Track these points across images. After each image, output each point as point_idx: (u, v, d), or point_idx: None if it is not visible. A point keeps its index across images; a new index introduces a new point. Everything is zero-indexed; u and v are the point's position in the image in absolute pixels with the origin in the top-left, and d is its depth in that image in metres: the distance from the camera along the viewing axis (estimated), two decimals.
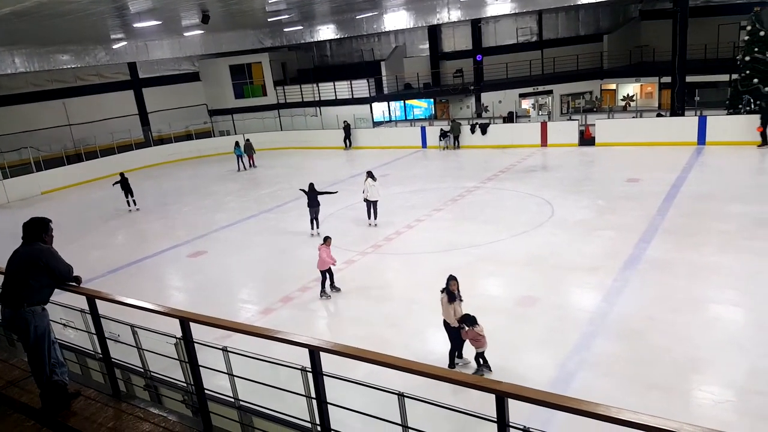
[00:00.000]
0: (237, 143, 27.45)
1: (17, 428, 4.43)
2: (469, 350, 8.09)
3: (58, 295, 4.79)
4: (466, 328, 7.77)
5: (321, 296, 11.06)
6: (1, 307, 4.57)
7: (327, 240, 11.06)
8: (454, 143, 26.09)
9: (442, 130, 26.39)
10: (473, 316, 7.83)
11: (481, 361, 7.89)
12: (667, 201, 14.85)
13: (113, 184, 20.98)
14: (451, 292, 7.91)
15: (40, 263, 4.44)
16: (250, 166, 27.23)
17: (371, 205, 15.43)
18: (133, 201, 20.72)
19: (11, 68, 25.33)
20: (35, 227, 4.59)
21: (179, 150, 31.45)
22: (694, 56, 23.66)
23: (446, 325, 8.01)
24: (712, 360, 7.77)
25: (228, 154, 28.20)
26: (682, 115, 22.23)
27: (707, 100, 24.17)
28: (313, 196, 14.99)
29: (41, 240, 4.58)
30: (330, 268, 11.02)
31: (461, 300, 8.02)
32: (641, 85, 29.62)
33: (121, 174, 20.97)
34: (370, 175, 15.41)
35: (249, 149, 27.29)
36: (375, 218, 15.54)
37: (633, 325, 8.83)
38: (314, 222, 15.29)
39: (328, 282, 11.11)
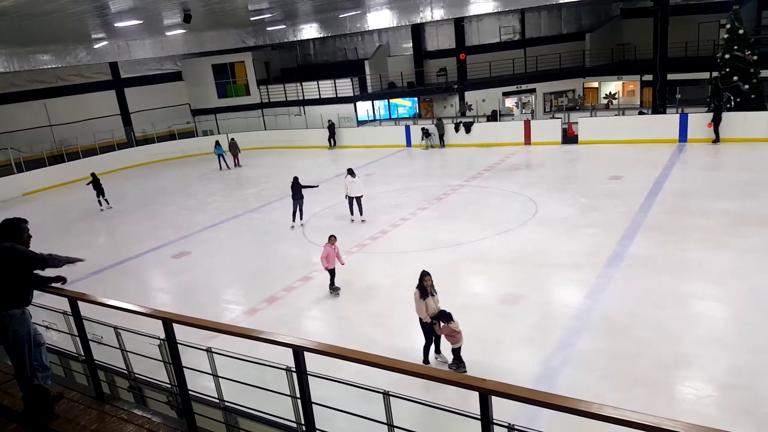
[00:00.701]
0: (217, 142, 27.37)
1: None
2: (446, 346, 8.12)
3: (40, 297, 4.73)
4: (441, 324, 7.81)
5: (331, 293, 11.06)
6: None
7: (331, 239, 10.95)
8: (440, 142, 26.19)
9: (423, 128, 26.46)
10: (449, 312, 7.86)
11: (458, 358, 7.90)
12: (650, 198, 15.05)
13: (86, 184, 21.14)
14: (423, 287, 7.92)
15: (13, 261, 4.34)
16: (235, 165, 27.10)
17: (354, 201, 15.58)
18: (105, 200, 20.92)
19: None
20: (6, 229, 4.48)
21: (162, 150, 31.14)
22: (675, 54, 24.01)
23: (420, 320, 8.05)
24: (694, 355, 7.89)
25: (212, 154, 27.97)
26: (664, 112, 22.54)
27: (688, 98, 24.54)
28: (296, 189, 15.50)
29: (14, 241, 4.46)
30: (333, 268, 10.92)
31: (434, 295, 8.02)
32: (623, 83, 29.96)
33: (93, 174, 21.13)
34: (350, 172, 15.67)
35: (234, 148, 27.17)
36: (361, 214, 15.66)
37: (616, 322, 8.94)
38: (296, 214, 15.78)
39: (337, 278, 11.08)
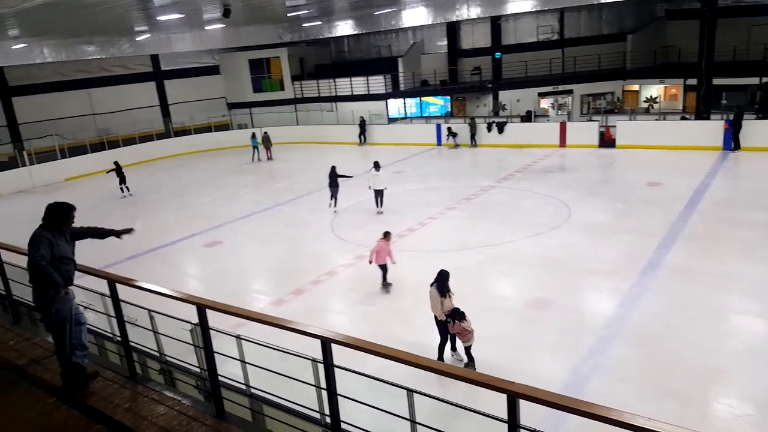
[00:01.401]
0: (253, 134, 28.15)
1: (39, 404, 4.56)
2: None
3: (80, 279, 4.88)
4: (454, 322, 7.89)
5: (382, 288, 10.94)
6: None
7: (387, 235, 10.87)
8: (472, 141, 25.97)
9: (449, 128, 26.35)
10: (462, 311, 7.90)
11: (469, 356, 8.01)
12: (690, 206, 14.59)
13: (107, 173, 21.99)
14: (442, 286, 7.99)
15: (29, 251, 4.49)
16: (268, 158, 27.51)
17: (378, 194, 16.08)
18: (126, 188, 21.77)
19: (40, 58, 25.93)
20: (53, 214, 4.64)
21: (198, 142, 31.81)
22: (721, 58, 23.14)
23: (435, 318, 8.13)
24: (731, 371, 7.59)
25: (245, 146, 28.49)
26: (708, 118, 21.79)
27: (735, 104, 23.67)
28: (333, 177, 16.51)
29: (56, 227, 4.61)
30: (385, 264, 10.79)
31: (451, 295, 8.09)
32: (665, 86, 29.10)
33: (116, 162, 22.03)
34: (375, 165, 16.04)
35: (267, 141, 27.67)
36: (381, 206, 16.19)
37: (650, 332, 8.69)
38: (333, 200, 16.73)
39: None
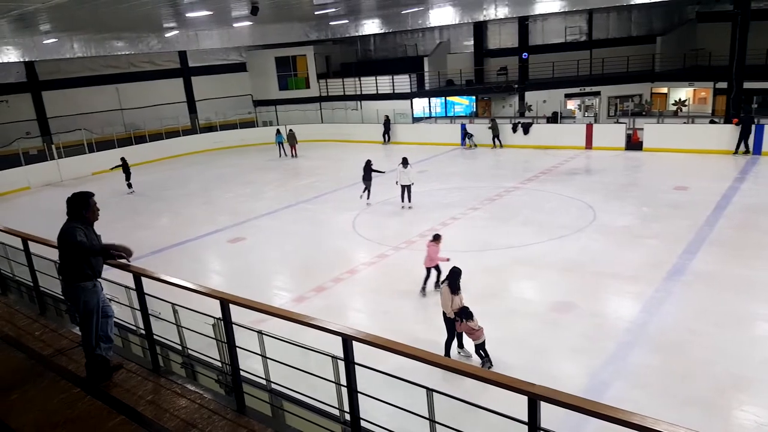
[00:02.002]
0: (278, 131, 28.61)
1: (64, 394, 4.66)
2: (470, 342, 8.27)
3: (107, 272, 4.98)
4: (461, 321, 8.01)
5: (436, 290, 10.35)
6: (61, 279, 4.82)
7: (437, 238, 10.53)
8: (495, 142, 25.80)
9: (465, 130, 26.33)
10: (470, 311, 8.04)
11: (482, 353, 8.06)
12: (717, 211, 14.28)
13: (111, 168, 22.44)
14: (453, 283, 8.13)
15: (68, 242, 4.57)
16: (293, 155, 27.77)
17: (404, 189, 16.43)
18: (129, 184, 22.05)
19: (70, 53, 26.47)
20: (74, 203, 4.70)
21: (224, 138, 32.21)
22: (753, 61, 22.57)
23: (444, 315, 8.25)
24: (756, 379, 7.43)
25: (270, 144, 28.80)
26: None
27: (766, 108, 23.05)
28: (367, 171, 17.23)
29: (80, 216, 4.67)
30: (438, 265, 10.49)
31: (460, 292, 8.22)
32: (694, 89, 28.44)
33: (122, 158, 22.46)
34: (404, 161, 16.31)
35: (291, 139, 27.96)
36: (409, 201, 16.55)
37: (673, 338, 8.55)
38: (366, 192, 17.31)
39: (431, 280, 10.61)
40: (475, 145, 26.11)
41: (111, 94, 31.13)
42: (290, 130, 28.63)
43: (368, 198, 17.33)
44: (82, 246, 4.54)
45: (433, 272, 10.64)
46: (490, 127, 25.81)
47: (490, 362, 8.02)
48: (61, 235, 4.63)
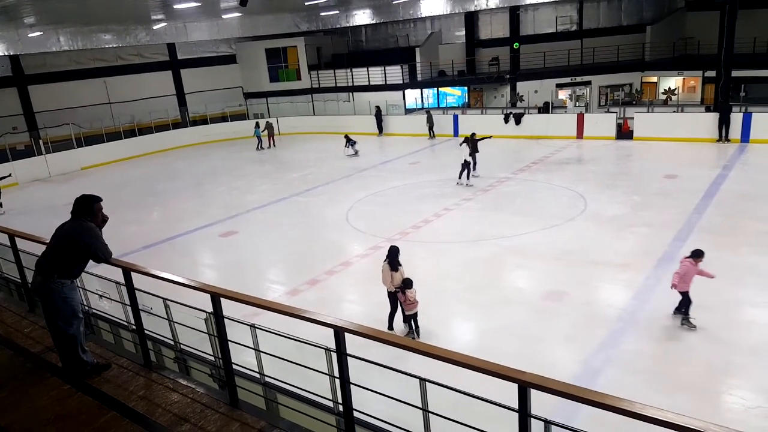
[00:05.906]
0: (257, 123, 28.92)
1: (54, 390, 4.64)
2: (422, 318, 8.75)
3: (95, 267, 4.94)
4: (403, 293, 8.55)
5: (683, 324, 8.44)
6: (33, 274, 4.69)
7: (699, 255, 8.32)
8: (429, 133, 26.62)
9: (348, 138, 24.21)
10: (411, 281, 8.61)
11: (413, 325, 8.63)
12: (706, 199, 14.40)
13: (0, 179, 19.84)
14: (393, 261, 8.72)
15: (81, 243, 4.49)
16: (269, 146, 28.29)
17: (465, 165, 17.46)
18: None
19: (56, 46, 26.10)
20: (82, 205, 4.60)
21: (214, 131, 32.00)
22: (742, 50, 22.66)
23: (388, 292, 8.83)
24: (745, 364, 7.55)
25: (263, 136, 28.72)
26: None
27: (754, 96, 23.18)
28: (473, 144, 17.78)
29: (86, 218, 4.59)
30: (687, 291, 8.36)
31: (401, 268, 8.79)
32: (684, 78, 28.59)
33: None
34: (466, 140, 17.70)
35: (270, 129, 28.39)
36: (469, 177, 17.60)
37: (664, 325, 8.63)
38: (473, 167, 17.92)
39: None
40: (357, 153, 24.22)
41: (99, 87, 30.77)
42: (267, 121, 28.93)
43: (474, 168, 17.80)
44: (105, 256, 4.56)
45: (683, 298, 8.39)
46: (427, 119, 26.64)
47: (417, 334, 8.60)
48: (72, 231, 4.52)
